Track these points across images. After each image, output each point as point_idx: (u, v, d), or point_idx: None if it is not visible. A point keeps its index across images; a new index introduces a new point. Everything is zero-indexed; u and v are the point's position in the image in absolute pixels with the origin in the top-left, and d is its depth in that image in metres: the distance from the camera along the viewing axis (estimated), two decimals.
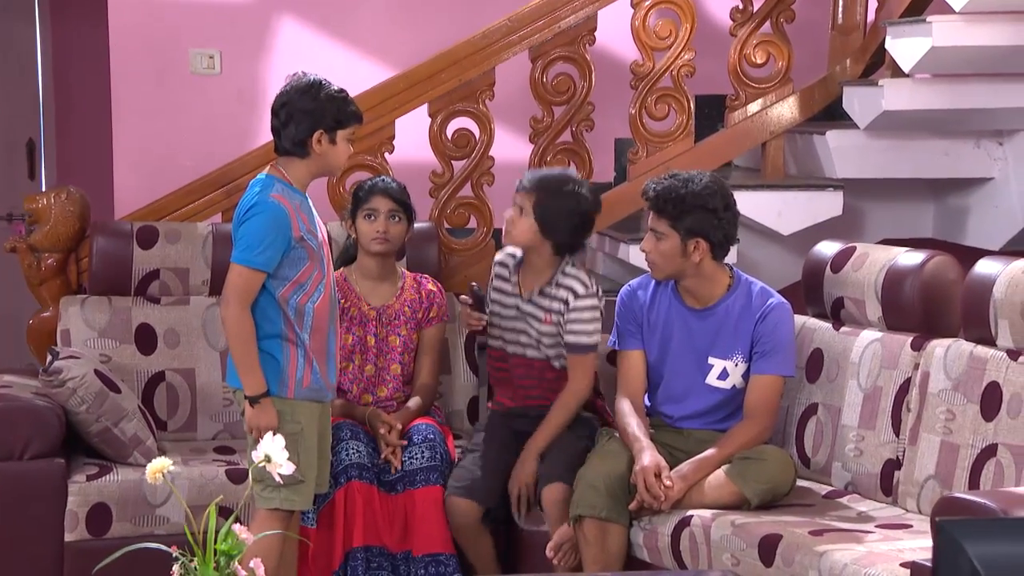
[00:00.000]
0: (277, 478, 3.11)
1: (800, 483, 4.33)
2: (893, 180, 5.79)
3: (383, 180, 4.74)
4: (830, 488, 4.31)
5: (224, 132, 6.18)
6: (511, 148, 5.69)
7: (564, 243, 4.42)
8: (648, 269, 4.40)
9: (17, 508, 4.38)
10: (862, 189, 5.84)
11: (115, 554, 2.88)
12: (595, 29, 5.45)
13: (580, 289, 4.40)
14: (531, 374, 4.53)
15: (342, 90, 4.08)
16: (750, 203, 5.49)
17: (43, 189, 7.38)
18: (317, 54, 6.34)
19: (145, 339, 4.87)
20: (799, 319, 4.51)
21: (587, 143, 5.48)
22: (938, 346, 4.10)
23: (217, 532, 2.90)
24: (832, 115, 5.74)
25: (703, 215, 4.22)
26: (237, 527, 2.92)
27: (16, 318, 5.27)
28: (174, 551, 2.88)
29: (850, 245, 4.50)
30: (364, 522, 4.39)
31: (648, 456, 4.13)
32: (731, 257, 5.20)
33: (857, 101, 5.51)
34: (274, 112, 4.06)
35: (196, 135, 6.25)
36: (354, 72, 5.94)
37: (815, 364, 4.42)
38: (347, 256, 4.76)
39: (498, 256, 4.64)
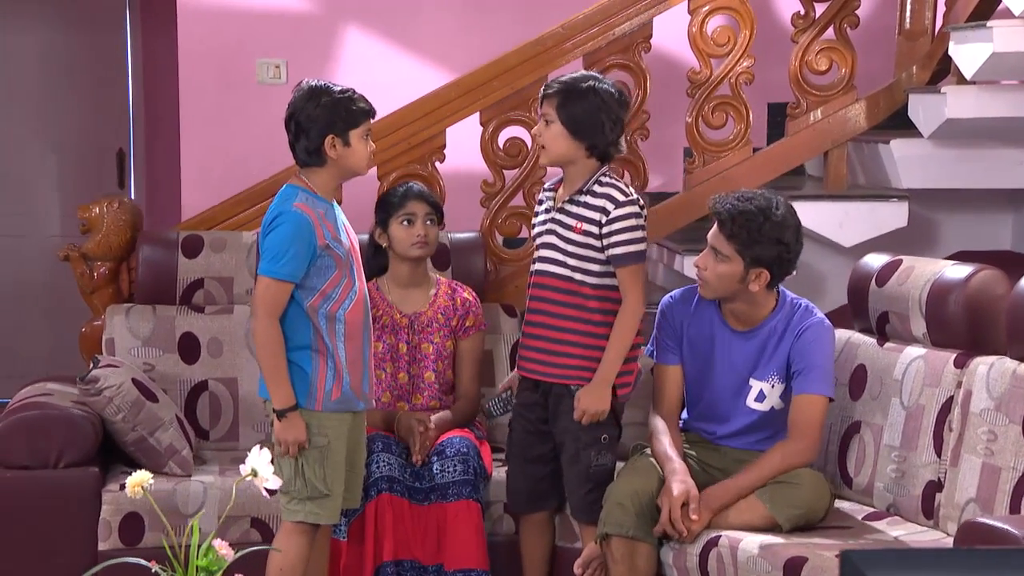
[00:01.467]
0: (264, 493, 3.09)
1: (841, 504, 4.21)
2: (968, 191, 5.62)
3: (413, 185, 4.72)
4: (871, 510, 4.17)
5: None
6: None
7: (598, 145, 4.18)
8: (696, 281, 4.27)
9: (51, 516, 4.39)
10: (934, 200, 5.69)
11: (95, 568, 2.86)
12: (650, 36, 5.35)
13: (619, 196, 4.17)
14: (550, 297, 4.24)
15: (347, 89, 4.05)
16: (810, 214, 5.36)
17: (132, 197, 7.48)
18: (382, 62, 6.32)
19: (188, 348, 4.87)
20: (843, 334, 4.39)
21: (642, 152, 5.38)
22: (981, 364, 3.95)
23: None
24: (901, 123, 5.58)
25: (775, 248, 4.05)
26: (218, 542, 2.89)
27: (77, 326, 5.29)
28: (153, 566, 2.86)
29: (897, 258, 4.36)
30: (395, 536, 4.33)
31: (678, 484, 4.00)
32: None
33: (922, 109, 5.35)
34: (285, 126, 4.04)
35: (261, 144, 6.22)
36: (419, 80, 5.91)
37: (859, 381, 4.28)
38: (371, 267, 4.70)
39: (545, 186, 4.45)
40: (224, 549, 2.86)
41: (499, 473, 4.53)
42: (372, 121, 4.10)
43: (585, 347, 4.23)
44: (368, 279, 4.62)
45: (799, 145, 5.51)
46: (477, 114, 5.30)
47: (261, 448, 3.10)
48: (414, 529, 4.37)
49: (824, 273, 5.58)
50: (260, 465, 3.03)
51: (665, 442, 4.14)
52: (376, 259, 4.73)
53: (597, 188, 4.21)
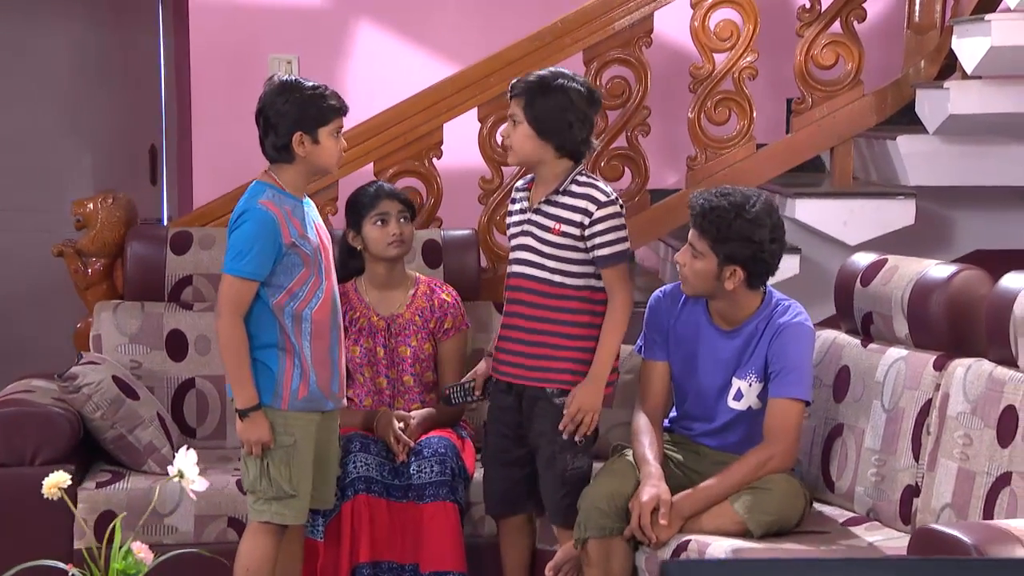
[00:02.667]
0: (192, 495, 3.06)
1: (823, 509, 4.12)
2: (984, 188, 5.48)
3: (381, 185, 4.67)
4: (852, 515, 4.07)
5: None
6: None
7: (566, 145, 4.08)
8: None
9: (27, 514, 4.37)
10: (949, 197, 5.56)
11: (9, 571, 2.83)
12: (651, 30, 5.27)
13: (601, 196, 4.06)
14: (527, 299, 4.14)
15: (318, 86, 4.00)
16: (813, 211, 5.29)
17: (164, 194, 7.50)
18: (394, 58, 6.28)
19: (176, 345, 4.85)
20: (829, 334, 4.29)
21: (642, 148, 5.30)
22: (959, 366, 3.84)
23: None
24: (912, 119, 5.46)
25: (746, 245, 3.97)
26: (136, 545, 2.86)
27: (74, 323, 5.29)
28: (70, 568, 2.83)
29: (882, 257, 4.25)
30: (371, 537, 4.29)
31: (649, 489, 3.92)
32: (793, 267, 5.02)
33: (927, 104, 5.23)
34: (255, 121, 4.00)
35: None
36: (432, 76, 5.82)
37: (842, 382, 4.18)
38: (348, 270, 4.65)
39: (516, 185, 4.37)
40: (143, 552, 2.82)
41: (481, 474, 4.46)
42: (344, 118, 4.05)
43: (563, 348, 4.16)
44: (343, 281, 4.60)
45: (804, 141, 5.41)
46: (475, 110, 5.24)
47: (188, 450, 3.05)
48: (391, 529, 4.32)
49: (829, 272, 5.44)
50: (186, 466, 2.99)
51: (645, 442, 4.06)
52: (353, 261, 4.67)
53: (575, 188, 4.13)
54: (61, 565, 2.83)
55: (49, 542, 4.34)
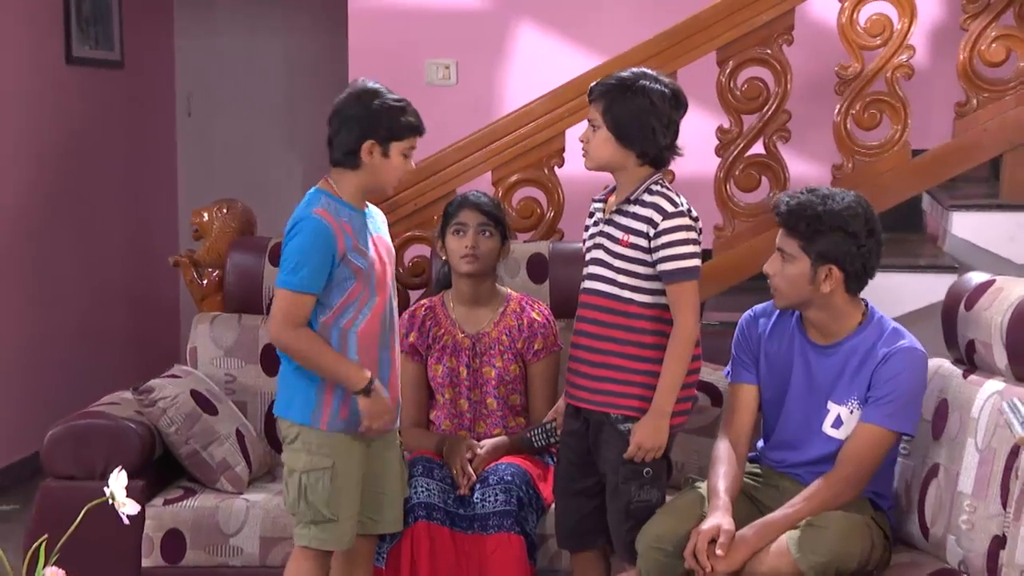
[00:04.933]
0: (123, 519, 2.92)
1: (914, 558, 3.67)
2: None
3: (473, 193, 4.38)
4: (942, 567, 3.60)
5: None
6: (694, 162, 5.08)
7: (648, 151, 3.76)
8: None
9: (96, 530, 4.26)
10: None
11: None
12: (792, 26, 4.86)
13: (668, 206, 3.72)
14: (596, 317, 3.82)
15: (401, 99, 3.80)
16: (975, 225, 4.79)
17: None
18: (557, 61, 6.00)
19: (271, 360, 4.68)
20: (933, 363, 3.82)
21: (781, 156, 4.88)
22: None
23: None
24: None
25: (841, 239, 3.64)
26: (51, 570, 2.72)
27: None
28: None
29: (991, 277, 3.76)
30: (431, 566, 4.03)
31: (711, 519, 3.59)
32: (943, 289, 4.52)
33: None
34: (328, 121, 3.81)
35: (429, 148, 6.01)
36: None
37: (941, 418, 3.72)
38: (441, 282, 4.43)
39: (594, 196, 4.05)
40: None
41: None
42: (417, 140, 3.82)
43: (629, 371, 3.81)
44: (436, 293, 4.38)
45: (966, 148, 4.88)
46: None
47: (120, 472, 2.89)
48: (455, 560, 4.05)
49: None
50: (117, 488, 2.82)
51: (719, 472, 3.73)
52: (444, 273, 4.44)
53: (646, 197, 3.79)
54: None
55: (118, 558, 4.27)
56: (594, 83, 3.84)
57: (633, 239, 3.77)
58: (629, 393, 3.81)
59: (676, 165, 4.88)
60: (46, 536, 2.96)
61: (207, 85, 8.05)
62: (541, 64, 6.03)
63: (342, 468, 3.77)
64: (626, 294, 3.79)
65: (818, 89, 5.15)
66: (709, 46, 4.88)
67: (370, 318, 3.76)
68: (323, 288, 3.71)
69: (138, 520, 4.28)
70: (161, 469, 4.45)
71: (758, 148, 4.91)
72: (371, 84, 3.83)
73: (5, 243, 6.20)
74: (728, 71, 4.88)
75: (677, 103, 3.81)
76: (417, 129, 3.80)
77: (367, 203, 3.88)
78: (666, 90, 3.78)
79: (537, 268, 4.67)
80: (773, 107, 4.86)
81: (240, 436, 4.46)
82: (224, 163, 8.07)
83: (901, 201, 4.89)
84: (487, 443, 4.22)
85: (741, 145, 4.89)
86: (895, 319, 3.79)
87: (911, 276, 4.77)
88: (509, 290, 4.42)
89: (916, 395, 3.66)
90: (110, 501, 2.89)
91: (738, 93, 4.88)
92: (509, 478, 4.08)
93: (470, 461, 4.15)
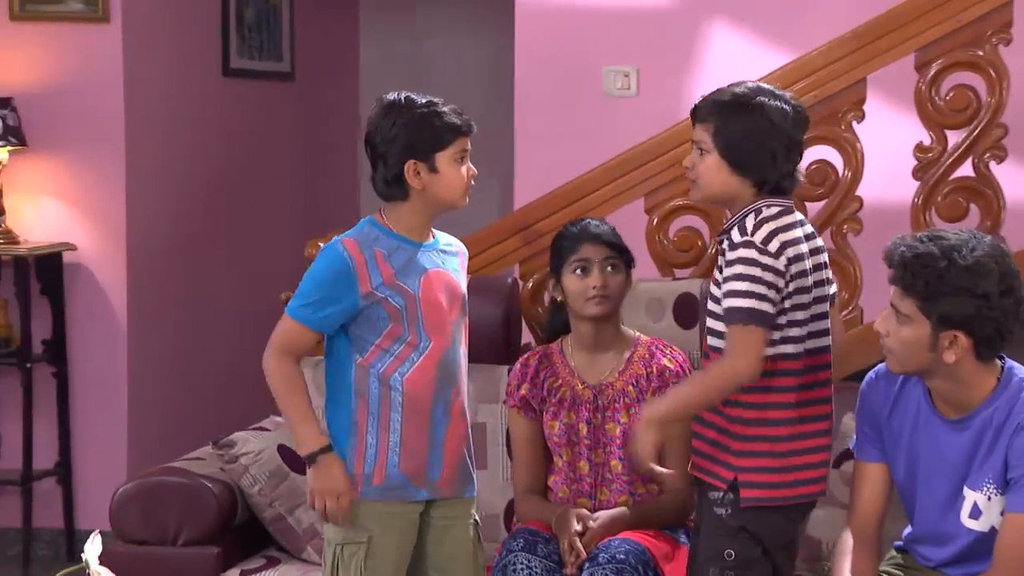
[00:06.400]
0: None
1: None
2: None
3: (588, 223, 3.75)
4: None
5: None
6: (886, 186, 4.41)
7: (768, 179, 3.15)
8: None
9: None
10: None
11: None
12: (1010, 23, 4.11)
13: (736, 236, 3.13)
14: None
15: (433, 101, 3.26)
16: None
17: None
18: (753, 67, 5.26)
19: None
20: None
21: (995, 179, 4.11)
22: None
23: None
24: None
25: (968, 301, 3.00)
26: None
27: None
28: None
29: None
30: None
31: None
32: None
33: None
34: (364, 150, 3.35)
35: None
36: None
37: None
38: (553, 329, 3.82)
39: None
40: None
41: None
42: (468, 138, 3.27)
43: (724, 433, 3.20)
44: (552, 339, 3.76)
45: None
46: None
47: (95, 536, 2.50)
48: None
49: None
50: (91, 556, 2.58)
51: (843, 567, 3.23)
52: (559, 316, 3.83)
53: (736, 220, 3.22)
54: None
55: None
56: (701, 99, 3.23)
57: (716, 274, 3.22)
58: (720, 459, 3.22)
59: (864, 189, 4.22)
60: None
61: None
62: (735, 71, 5.28)
63: (380, 542, 3.26)
64: (711, 340, 3.22)
65: None
66: (906, 47, 4.17)
67: (421, 366, 3.23)
68: (352, 325, 3.24)
69: None
70: (247, 535, 3.93)
71: (966, 169, 4.16)
72: (394, 96, 3.30)
73: (149, 276, 5.80)
74: (929, 77, 4.15)
75: (798, 121, 3.19)
76: (460, 128, 3.27)
77: (442, 235, 3.37)
78: (787, 107, 3.18)
79: (686, 310, 4.00)
80: (985, 120, 4.11)
81: None
82: None
83: None
84: (602, 515, 3.58)
85: (945, 166, 4.13)
86: None
87: None
88: (637, 333, 3.76)
89: None
90: (86, 571, 2.46)
91: (941, 103, 4.14)
92: (623, 556, 3.43)
93: (580, 535, 3.51)
